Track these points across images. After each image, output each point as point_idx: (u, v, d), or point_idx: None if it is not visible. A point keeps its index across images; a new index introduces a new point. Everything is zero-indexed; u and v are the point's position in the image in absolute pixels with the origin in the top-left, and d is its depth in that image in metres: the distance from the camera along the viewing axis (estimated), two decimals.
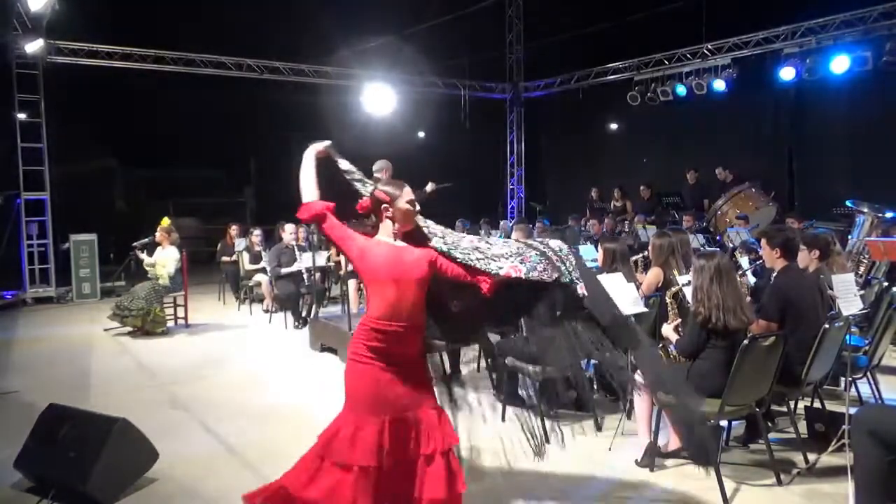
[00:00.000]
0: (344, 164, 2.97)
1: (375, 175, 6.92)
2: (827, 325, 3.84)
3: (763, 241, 4.37)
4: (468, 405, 3.17)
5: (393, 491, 2.69)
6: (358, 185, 2.94)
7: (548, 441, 4.32)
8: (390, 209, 2.80)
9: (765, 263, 4.69)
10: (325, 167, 2.93)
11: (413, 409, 2.74)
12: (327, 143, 2.98)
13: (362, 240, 2.85)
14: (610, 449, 4.15)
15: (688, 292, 4.01)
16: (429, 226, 2.92)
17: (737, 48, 10.96)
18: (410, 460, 2.69)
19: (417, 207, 2.84)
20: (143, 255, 8.04)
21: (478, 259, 2.80)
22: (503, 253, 2.83)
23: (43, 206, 10.44)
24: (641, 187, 12.01)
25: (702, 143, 12.37)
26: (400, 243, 2.84)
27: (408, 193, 2.82)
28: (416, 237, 2.89)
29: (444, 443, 2.73)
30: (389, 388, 2.72)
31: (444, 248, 2.83)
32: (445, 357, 5.46)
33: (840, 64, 9.49)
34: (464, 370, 5.91)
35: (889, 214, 7.83)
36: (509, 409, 4.81)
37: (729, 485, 3.57)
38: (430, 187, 7.22)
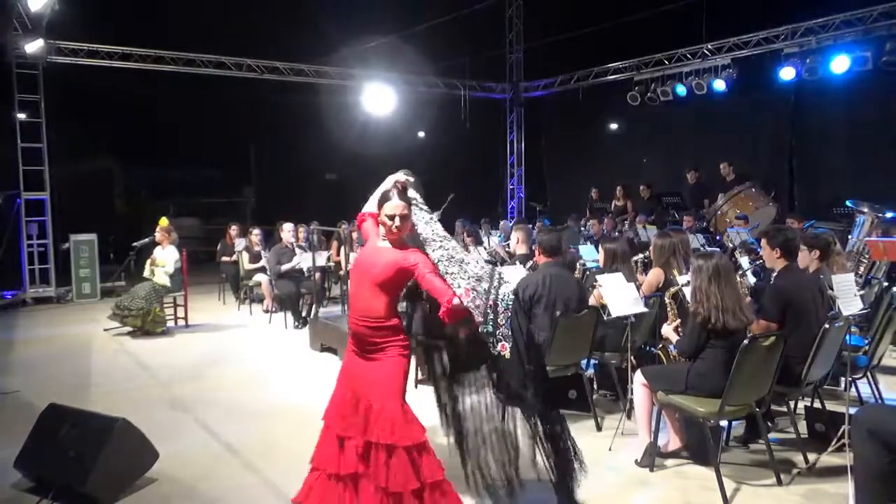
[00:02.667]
0: (412, 193, 3.16)
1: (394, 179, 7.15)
2: (827, 325, 3.84)
3: (763, 241, 4.37)
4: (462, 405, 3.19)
5: (355, 466, 2.96)
6: (415, 210, 3.10)
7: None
8: (380, 216, 3.04)
9: (765, 263, 4.69)
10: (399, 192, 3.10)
11: (374, 398, 2.96)
12: (410, 178, 3.20)
13: (370, 241, 3.14)
14: (610, 449, 4.15)
15: (687, 292, 4.01)
16: (432, 233, 3.04)
17: (737, 48, 10.96)
18: (367, 441, 2.93)
19: (395, 222, 2.97)
20: (152, 268, 7.93)
21: (451, 273, 2.92)
22: (473, 274, 2.93)
23: (43, 206, 10.44)
24: (641, 187, 12.00)
25: (702, 143, 12.36)
26: (384, 245, 3.05)
27: (388, 208, 2.98)
28: (416, 243, 3.08)
29: (409, 438, 2.89)
30: (355, 373, 3.07)
31: (434, 258, 2.97)
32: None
33: (840, 64, 9.48)
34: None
35: (889, 214, 7.82)
36: (509, 409, 4.82)
37: (729, 485, 3.57)
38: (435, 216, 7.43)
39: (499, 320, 2.88)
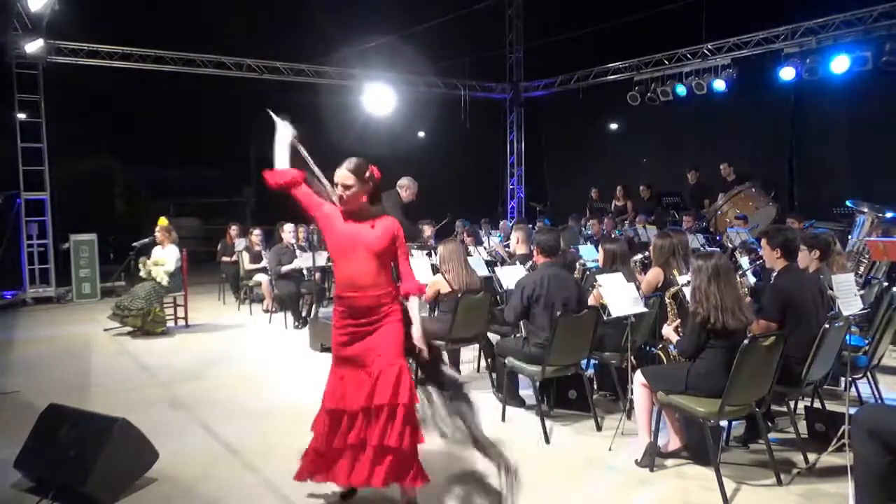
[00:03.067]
0: (304, 152, 3.35)
1: (397, 189, 7.17)
2: (827, 325, 3.84)
3: (763, 241, 4.36)
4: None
5: (357, 436, 3.05)
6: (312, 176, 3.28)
7: (547, 441, 4.34)
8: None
9: (765, 263, 4.69)
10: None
11: (373, 365, 3.05)
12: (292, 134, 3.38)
13: (328, 207, 3.21)
14: (610, 449, 4.15)
15: (688, 292, 4.02)
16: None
17: (737, 48, 10.96)
18: (366, 407, 3.01)
19: (338, 189, 3.17)
20: (144, 266, 7.85)
21: None
22: None
23: (43, 206, 10.44)
24: (641, 187, 12.00)
25: (702, 143, 12.37)
26: (358, 217, 3.17)
27: (336, 175, 3.20)
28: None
29: (404, 397, 2.99)
30: (356, 349, 3.13)
31: None
32: (445, 356, 5.49)
33: (840, 64, 9.48)
34: (464, 370, 5.91)
35: (889, 214, 7.82)
36: (509, 409, 4.83)
37: (729, 485, 3.57)
38: (428, 232, 7.49)
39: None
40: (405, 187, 7.12)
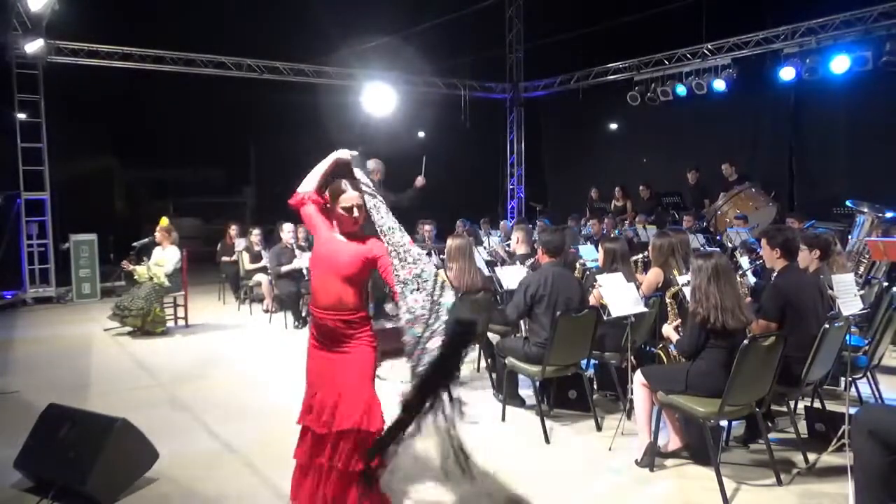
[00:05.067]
0: (359, 174, 3.09)
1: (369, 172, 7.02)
2: (827, 325, 3.84)
3: (763, 241, 4.37)
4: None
5: (319, 458, 3.00)
6: (366, 196, 3.02)
7: (547, 441, 4.35)
8: (334, 209, 3.04)
9: (765, 263, 4.69)
10: (341, 173, 3.11)
11: (348, 388, 2.96)
12: (354, 153, 3.15)
13: (324, 232, 3.08)
14: (610, 449, 4.15)
15: (688, 292, 4.02)
16: (380, 218, 2.94)
17: (737, 48, 10.96)
18: (329, 433, 2.94)
19: (353, 214, 3.00)
20: (138, 267, 7.81)
21: (399, 259, 2.84)
22: (415, 258, 2.83)
23: (43, 206, 10.44)
24: (641, 187, 12.00)
25: (702, 143, 12.36)
26: (341, 238, 3.04)
27: (344, 201, 3.00)
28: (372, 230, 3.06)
29: (368, 424, 2.91)
30: (319, 367, 3.07)
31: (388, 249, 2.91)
32: None
33: (840, 64, 9.48)
34: (464, 370, 5.91)
35: (889, 214, 7.82)
36: (509, 409, 4.83)
37: (729, 485, 3.57)
38: (419, 182, 7.35)
39: (430, 321, 2.79)
40: (375, 171, 7.03)
